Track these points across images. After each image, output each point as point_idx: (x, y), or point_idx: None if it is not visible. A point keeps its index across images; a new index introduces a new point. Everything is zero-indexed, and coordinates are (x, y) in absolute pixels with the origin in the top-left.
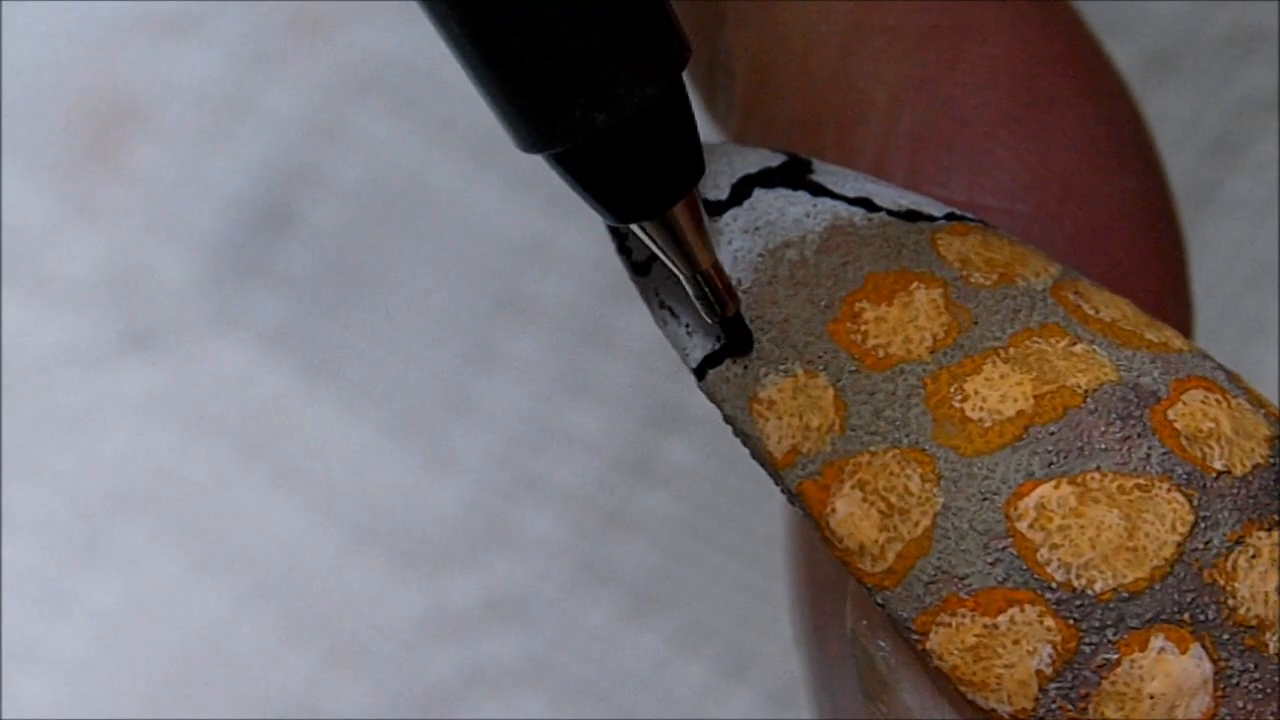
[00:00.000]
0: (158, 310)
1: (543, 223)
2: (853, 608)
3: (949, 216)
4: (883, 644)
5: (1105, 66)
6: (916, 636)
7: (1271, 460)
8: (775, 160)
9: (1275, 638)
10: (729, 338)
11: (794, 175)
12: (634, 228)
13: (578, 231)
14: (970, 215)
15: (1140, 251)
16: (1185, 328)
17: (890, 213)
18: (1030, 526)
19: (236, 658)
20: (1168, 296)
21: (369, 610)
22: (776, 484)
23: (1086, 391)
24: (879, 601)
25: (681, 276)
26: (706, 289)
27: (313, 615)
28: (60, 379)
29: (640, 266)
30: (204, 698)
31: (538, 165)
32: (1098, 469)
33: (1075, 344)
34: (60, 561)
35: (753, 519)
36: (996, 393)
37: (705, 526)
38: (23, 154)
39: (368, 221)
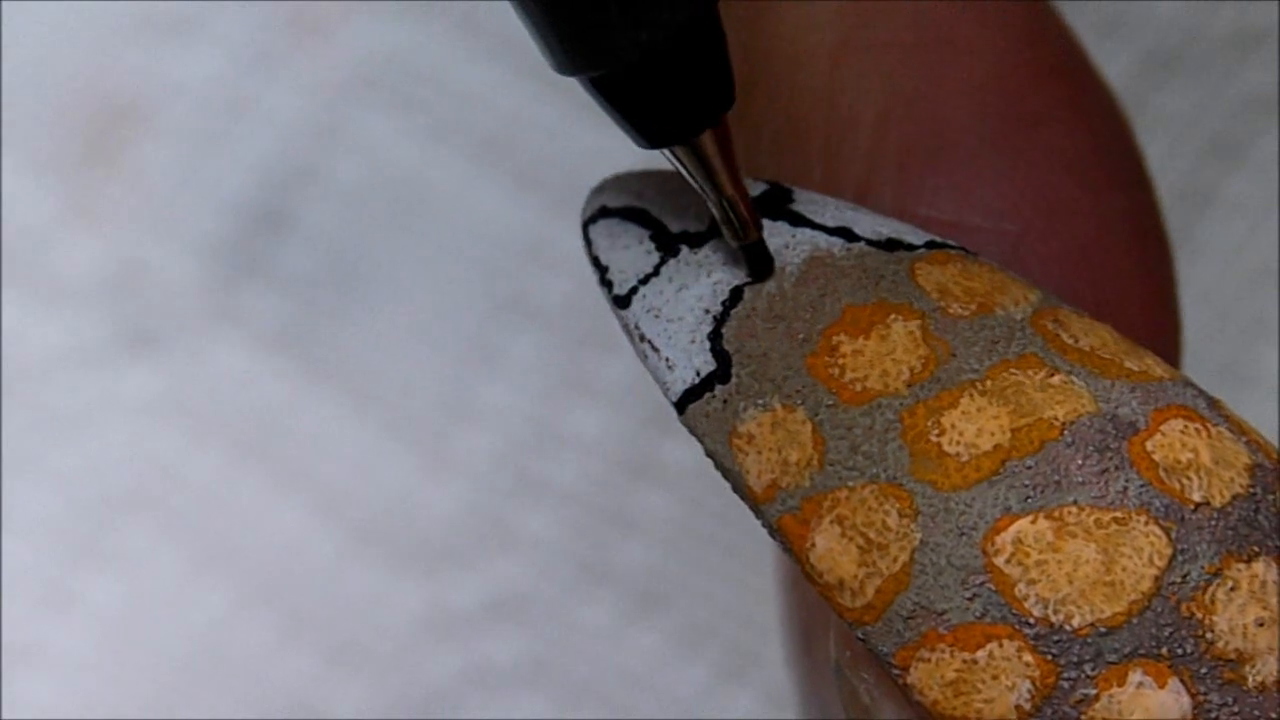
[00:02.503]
0: (158, 310)
1: (543, 223)
2: (837, 639)
3: (929, 244)
4: (866, 676)
5: (1092, 79)
6: (897, 671)
7: (1251, 490)
8: (756, 190)
9: (1254, 671)
10: (750, 264)
11: (774, 205)
12: (664, 152)
13: (578, 232)
14: (952, 243)
15: (1127, 267)
16: (1173, 342)
17: (870, 242)
18: (1007, 562)
19: (236, 658)
20: (1154, 311)
21: (369, 610)
22: (757, 518)
23: (1064, 424)
24: (860, 636)
25: (708, 200)
26: (731, 214)
27: (313, 615)
28: (60, 379)
29: (621, 300)
30: (204, 698)
31: (538, 165)
32: (1075, 503)
33: (1053, 375)
34: (60, 561)
35: (753, 519)
36: (973, 426)
37: (705, 526)
38: (23, 154)
39: (368, 221)
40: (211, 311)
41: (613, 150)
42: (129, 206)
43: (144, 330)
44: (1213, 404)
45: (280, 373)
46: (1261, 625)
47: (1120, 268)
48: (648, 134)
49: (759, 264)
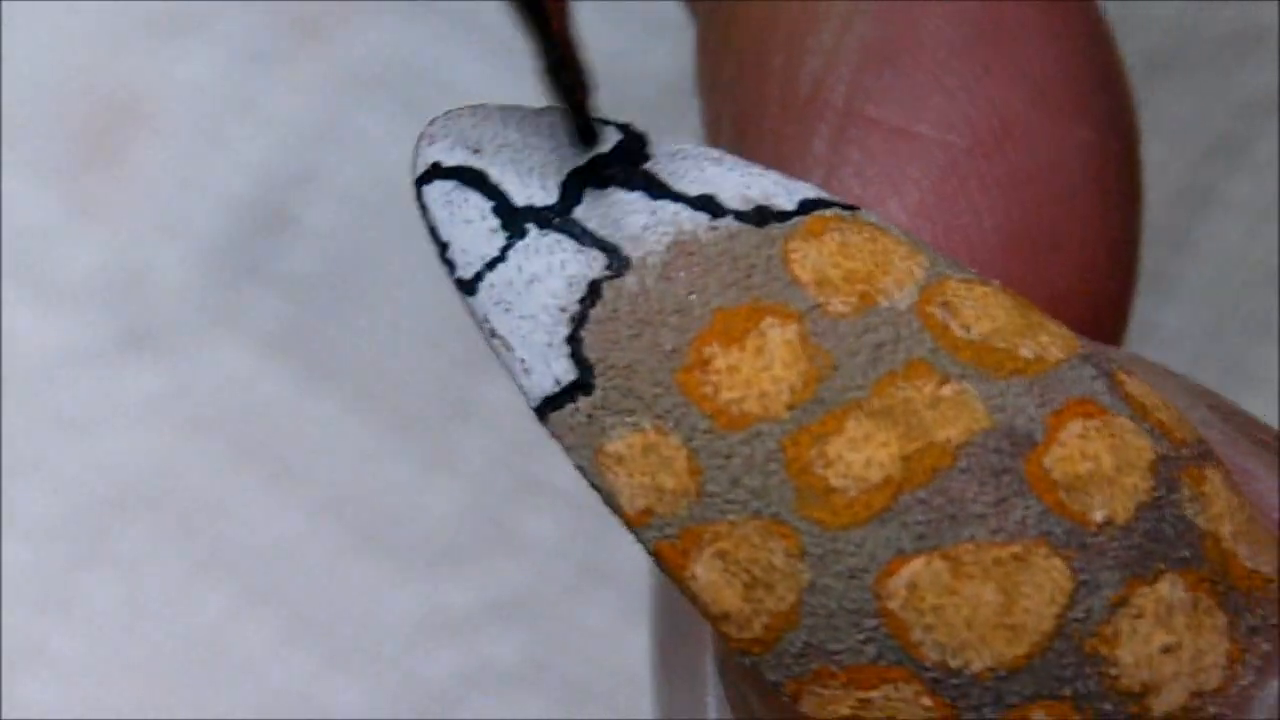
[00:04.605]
0: (158, 310)
1: None
2: (719, 649)
3: (803, 206)
4: (750, 691)
5: (1093, 18)
6: (788, 698)
7: (1155, 493)
8: (610, 140)
9: (1159, 700)
10: (575, 132)
11: (628, 162)
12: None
13: None
14: (827, 197)
15: (1079, 205)
16: (1119, 296)
17: (738, 215)
18: (902, 607)
19: (236, 658)
20: (1100, 255)
21: (369, 610)
22: (631, 535)
23: (958, 446)
24: (747, 663)
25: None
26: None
27: (313, 615)
28: (60, 379)
29: (466, 285)
30: (204, 698)
31: None
32: (971, 538)
33: (944, 384)
34: (60, 562)
35: None
36: (861, 456)
37: None
38: (23, 154)
39: (368, 222)
40: (211, 311)
41: None
42: (129, 206)
43: (144, 330)
44: (1112, 383)
45: (280, 373)
46: (1167, 651)
47: (1070, 204)
48: None
49: (584, 133)
